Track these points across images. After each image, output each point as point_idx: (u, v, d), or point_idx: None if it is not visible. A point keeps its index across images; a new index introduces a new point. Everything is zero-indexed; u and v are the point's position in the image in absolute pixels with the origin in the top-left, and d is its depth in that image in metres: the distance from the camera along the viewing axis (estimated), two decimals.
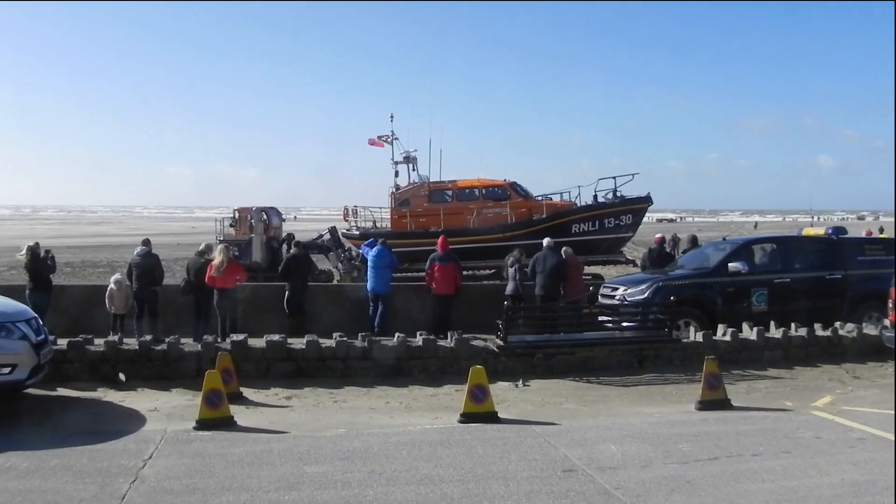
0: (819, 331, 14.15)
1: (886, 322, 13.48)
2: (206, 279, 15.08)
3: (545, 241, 16.70)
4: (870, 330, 14.24)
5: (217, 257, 15.09)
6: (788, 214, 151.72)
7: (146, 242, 16.47)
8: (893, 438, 8.50)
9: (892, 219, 61.22)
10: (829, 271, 15.68)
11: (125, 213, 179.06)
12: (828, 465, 7.81)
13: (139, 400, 10.93)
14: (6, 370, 9.68)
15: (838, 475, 7.48)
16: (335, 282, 25.33)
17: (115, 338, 12.71)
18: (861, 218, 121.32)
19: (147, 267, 15.85)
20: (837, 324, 14.37)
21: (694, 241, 20.28)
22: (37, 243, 16.45)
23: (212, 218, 46.37)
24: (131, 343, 12.63)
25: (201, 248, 16.36)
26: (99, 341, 12.42)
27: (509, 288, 16.72)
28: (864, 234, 24.37)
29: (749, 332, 13.93)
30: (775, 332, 14.00)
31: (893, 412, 9.36)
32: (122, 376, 11.96)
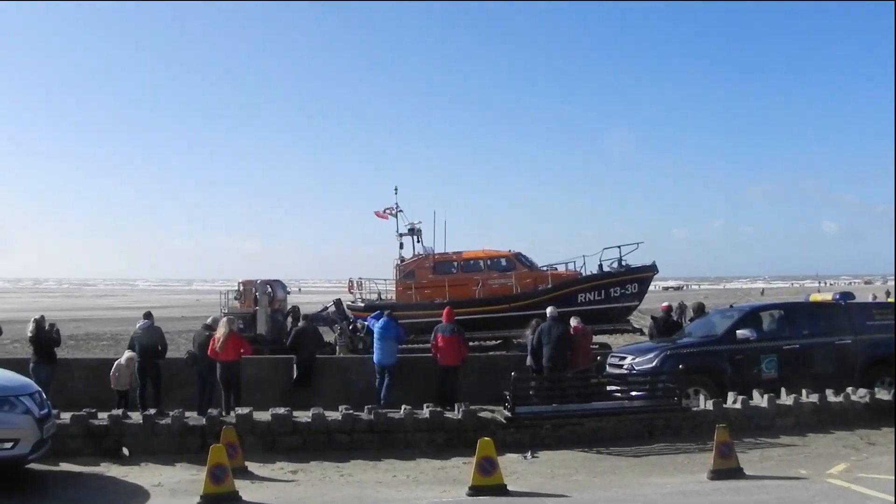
0: (831, 397, 13.97)
1: None
2: (209, 352, 14.98)
3: (548, 311, 16.54)
4: (882, 395, 14.09)
5: (219, 330, 15.01)
6: (795, 280, 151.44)
7: (148, 315, 16.45)
8: None
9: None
10: (838, 336, 15.56)
11: (127, 286, 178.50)
12: None
13: (143, 475, 10.79)
14: (8, 445, 9.60)
15: None
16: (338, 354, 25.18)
17: (119, 412, 12.61)
18: (868, 282, 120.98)
19: (150, 340, 15.80)
20: (849, 389, 14.19)
21: (700, 309, 20.21)
22: (42, 316, 16.43)
23: (214, 290, 46.26)
24: (135, 417, 12.52)
25: (208, 321, 16.28)
26: (102, 415, 12.31)
27: (530, 359, 16.46)
28: (871, 299, 24.28)
29: (760, 400, 13.77)
30: (786, 399, 13.83)
31: None
32: (125, 451, 11.83)
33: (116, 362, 15.88)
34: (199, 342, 15.66)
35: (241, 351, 15.24)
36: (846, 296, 16.98)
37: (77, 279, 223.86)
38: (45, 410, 10.42)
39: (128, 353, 16.22)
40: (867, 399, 13.94)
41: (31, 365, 15.42)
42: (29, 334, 16.14)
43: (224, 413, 13.27)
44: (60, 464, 11.22)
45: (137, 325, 16.29)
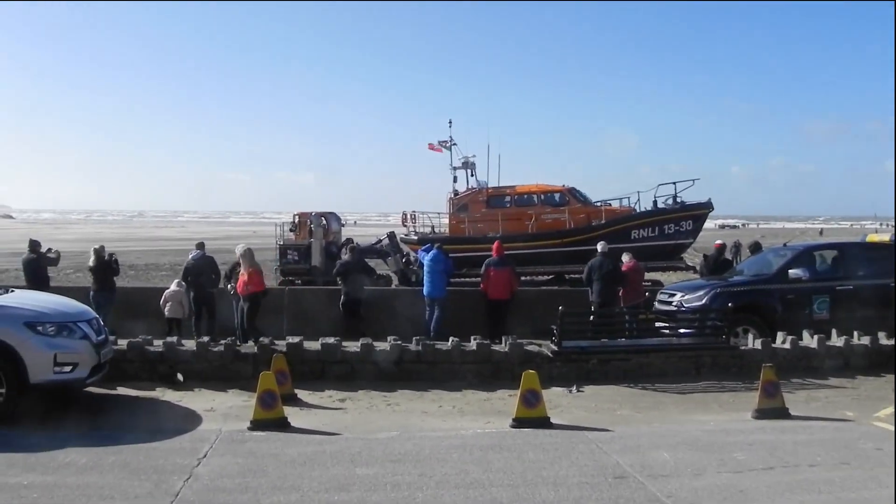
0: (883, 340, 13.75)
1: None
2: (239, 288, 15.10)
3: (599, 247, 16.44)
4: None
5: (244, 264, 15.06)
6: (856, 221, 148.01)
7: (200, 246, 16.75)
8: None
9: None
10: (893, 279, 15.26)
11: (176, 218, 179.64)
12: (888, 477, 7.57)
13: (196, 400, 11.11)
14: (68, 368, 9.92)
15: None
16: (393, 286, 25.44)
17: (174, 339, 12.91)
18: None
19: (202, 270, 16.11)
20: None
21: (757, 248, 19.88)
22: (102, 246, 16.81)
23: (259, 223, 46.80)
24: (189, 344, 12.83)
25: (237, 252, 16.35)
26: (158, 342, 12.64)
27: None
28: None
29: (809, 340, 13.62)
30: (837, 341, 13.64)
31: None
32: (179, 376, 12.16)
33: (165, 291, 16.33)
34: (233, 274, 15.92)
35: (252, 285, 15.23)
36: None
37: (129, 211, 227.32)
38: (103, 336, 10.75)
39: (176, 280, 16.63)
40: None
41: (91, 293, 15.85)
42: (89, 264, 16.57)
43: (273, 341, 13.43)
44: (117, 388, 11.58)
45: (190, 256, 16.60)
